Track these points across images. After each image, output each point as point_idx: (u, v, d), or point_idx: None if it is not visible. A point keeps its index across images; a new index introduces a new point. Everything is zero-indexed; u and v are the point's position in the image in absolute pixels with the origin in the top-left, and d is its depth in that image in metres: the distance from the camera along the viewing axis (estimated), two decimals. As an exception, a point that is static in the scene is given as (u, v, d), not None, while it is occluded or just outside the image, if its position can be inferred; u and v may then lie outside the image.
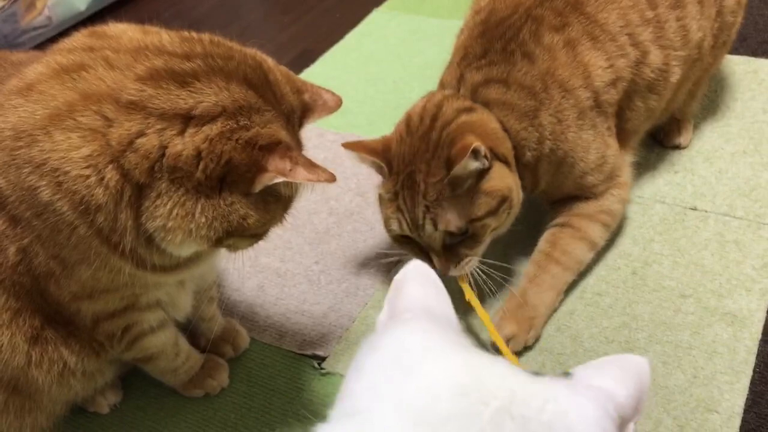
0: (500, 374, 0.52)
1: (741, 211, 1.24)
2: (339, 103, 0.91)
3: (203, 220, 0.75)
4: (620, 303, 1.12)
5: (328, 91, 0.90)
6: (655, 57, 1.13)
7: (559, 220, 1.17)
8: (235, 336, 1.13)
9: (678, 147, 1.40)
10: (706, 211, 1.25)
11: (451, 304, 0.62)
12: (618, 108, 1.13)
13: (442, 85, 1.17)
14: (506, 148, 1.06)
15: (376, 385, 0.52)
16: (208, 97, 0.74)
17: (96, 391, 1.04)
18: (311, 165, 0.78)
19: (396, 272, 0.63)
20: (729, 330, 1.06)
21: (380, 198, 1.10)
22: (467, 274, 1.06)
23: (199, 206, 0.74)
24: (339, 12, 2.08)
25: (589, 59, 1.08)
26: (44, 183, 0.72)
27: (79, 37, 0.80)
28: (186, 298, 0.97)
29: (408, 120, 1.09)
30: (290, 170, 0.76)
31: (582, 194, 1.15)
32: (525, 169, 1.09)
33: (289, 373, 1.10)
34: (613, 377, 0.55)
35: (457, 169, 0.98)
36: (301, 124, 0.86)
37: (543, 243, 1.15)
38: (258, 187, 0.76)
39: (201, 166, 0.73)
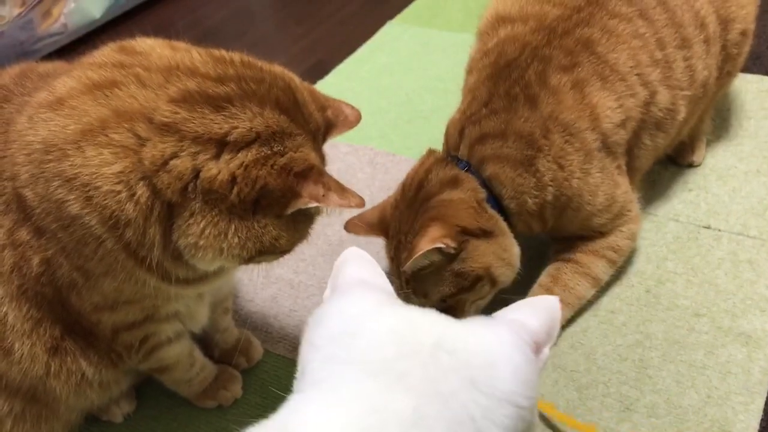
0: (429, 321, 0.62)
1: (754, 230, 1.24)
2: (359, 117, 0.92)
3: (236, 240, 0.76)
4: (634, 321, 1.12)
5: (348, 105, 0.92)
6: (663, 97, 1.12)
7: (563, 254, 1.16)
8: (249, 347, 1.13)
9: (692, 165, 1.40)
10: (719, 230, 1.25)
11: (384, 274, 0.72)
12: (627, 146, 1.13)
13: (448, 132, 1.16)
14: (489, 220, 1.04)
15: (330, 353, 0.59)
16: (242, 122, 0.75)
17: (111, 401, 1.04)
18: (342, 189, 0.79)
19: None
20: (743, 350, 1.06)
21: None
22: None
23: (233, 227, 0.75)
24: (352, 24, 2.09)
25: (598, 100, 1.06)
26: (73, 197, 0.73)
27: (109, 52, 0.81)
28: (204, 310, 0.98)
29: (404, 183, 1.12)
30: (323, 196, 0.77)
31: (589, 234, 1.14)
32: (530, 216, 1.08)
33: (303, 385, 1.10)
34: (525, 312, 0.67)
35: (408, 266, 1.00)
36: (324, 140, 0.87)
37: (545, 277, 1.14)
38: (291, 210, 0.77)
39: (235, 191, 0.74)
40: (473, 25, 1.25)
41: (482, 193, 1.05)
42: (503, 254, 1.05)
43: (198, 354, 1.03)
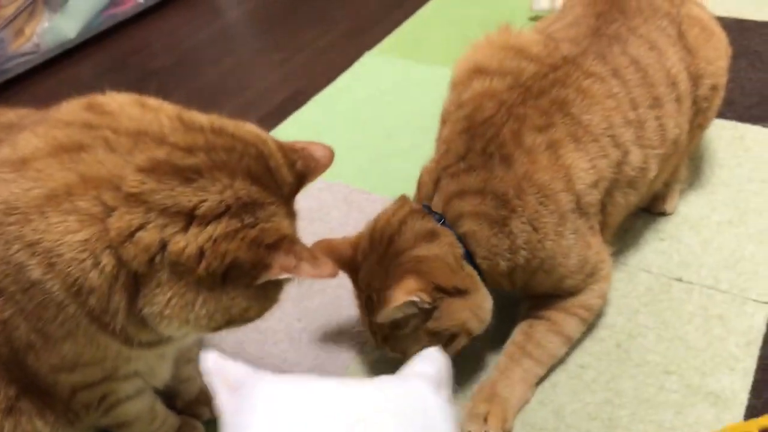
0: (353, 390, 0.69)
1: (726, 284, 1.24)
2: (331, 157, 0.90)
3: (204, 312, 0.75)
4: (604, 377, 1.12)
5: (318, 146, 0.89)
6: (635, 157, 1.12)
7: (535, 311, 1.15)
8: (213, 397, 1.10)
9: (664, 214, 1.40)
10: (691, 283, 1.25)
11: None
12: (599, 206, 1.12)
13: (422, 181, 1.14)
14: (465, 278, 1.03)
15: None
16: (212, 195, 0.73)
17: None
18: (314, 259, 0.78)
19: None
20: (712, 411, 1.05)
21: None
22: None
23: (200, 299, 0.74)
24: (332, 53, 2.08)
25: (572, 161, 1.05)
26: (35, 262, 0.71)
27: (77, 110, 0.79)
28: (165, 368, 0.96)
29: (373, 230, 1.08)
30: (295, 267, 0.76)
31: (560, 294, 1.14)
32: (501, 276, 1.08)
33: (267, 437, 1.08)
34: (421, 365, 0.75)
35: (382, 317, 0.99)
36: (297, 191, 0.86)
37: (517, 334, 1.13)
38: (261, 281, 0.76)
39: (204, 264, 0.73)
40: (453, 59, 1.23)
41: (460, 249, 1.04)
42: (477, 311, 1.04)
43: (160, 407, 1.01)
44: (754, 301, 1.21)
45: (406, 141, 1.68)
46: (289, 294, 1.30)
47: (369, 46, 2.06)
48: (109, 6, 2.24)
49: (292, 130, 1.76)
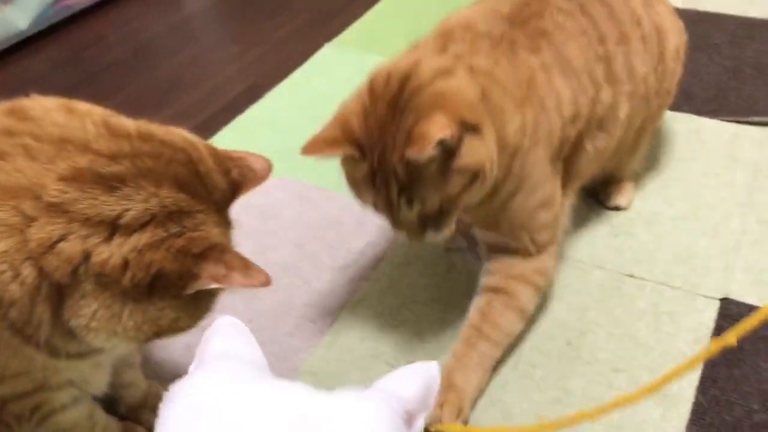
0: (288, 402, 0.58)
1: (678, 280, 1.25)
2: (269, 169, 0.89)
3: (131, 323, 0.73)
4: (554, 375, 1.11)
5: (256, 157, 0.88)
6: (606, 94, 1.13)
7: (492, 281, 1.13)
8: (159, 402, 1.08)
9: (618, 208, 1.40)
10: (643, 279, 1.25)
11: (258, 348, 0.70)
12: (568, 149, 1.13)
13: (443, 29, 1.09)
14: (481, 114, 0.97)
15: None
16: (136, 204, 0.71)
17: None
18: (246, 267, 0.76)
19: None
20: (659, 409, 1.05)
21: (354, 180, 1.03)
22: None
23: (127, 310, 0.72)
24: (290, 45, 2.05)
25: (560, 88, 1.06)
26: None
27: None
28: (101, 376, 0.93)
29: (371, 85, 1.00)
30: (224, 276, 0.74)
31: (515, 245, 1.12)
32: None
33: (213, 442, 1.06)
34: (400, 381, 0.65)
35: (413, 157, 0.91)
36: (231, 202, 0.84)
37: (474, 314, 1.12)
38: (190, 292, 0.74)
39: (128, 275, 0.71)
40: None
41: (477, 86, 0.98)
42: (491, 152, 0.98)
43: (99, 415, 0.98)
44: (705, 297, 1.21)
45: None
46: (240, 293, 1.29)
47: (328, 37, 2.04)
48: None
49: (248, 123, 1.74)
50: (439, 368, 0.68)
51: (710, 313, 1.18)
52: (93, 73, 1.99)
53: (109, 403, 1.04)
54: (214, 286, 0.74)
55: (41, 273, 0.70)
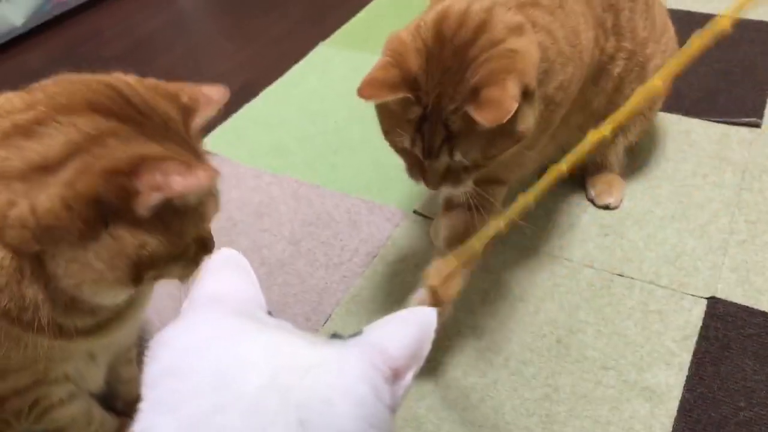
0: (266, 352, 0.54)
1: (666, 279, 1.27)
2: (225, 94, 0.85)
3: (101, 265, 0.70)
4: (543, 373, 1.13)
5: (211, 86, 0.86)
6: (610, 43, 1.16)
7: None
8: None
9: (608, 207, 1.42)
10: (632, 278, 1.27)
11: (255, 282, 0.64)
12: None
13: None
14: (535, 76, 0.96)
15: (156, 398, 0.53)
16: (55, 138, 0.69)
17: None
18: (186, 166, 0.70)
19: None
20: (647, 406, 1.08)
21: (395, 119, 0.98)
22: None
23: (91, 253, 0.70)
24: (284, 43, 2.06)
25: (589, 37, 1.08)
26: None
27: None
28: (96, 372, 0.94)
29: (440, 22, 0.96)
30: (164, 183, 0.69)
31: (495, 175, 1.14)
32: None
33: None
34: (389, 331, 0.59)
35: (482, 121, 0.89)
36: (189, 127, 0.81)
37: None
38: (142, 211, 0.70)
39: (74, 214, 0.68)
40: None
41: (538, 48, 0.97)
42: (536, 116, 0.99)
43: (97, 411, 0.99)
44: (692, 296, 1.23)
45: (356, 135, 1.67)
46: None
47: (322, 36, 2.05)
48: (57, -7, 2.19)
49: (242, 122, 1.75)
50: (434, 314, 0.61)
51: (698, 311, 1.20)
52: (89, 69, 2.00)
53: (106, 399, 1.06)
54: (158, 196, 0.69)
55: (12, 250, 0.69)
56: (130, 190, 0.69)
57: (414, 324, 0.60)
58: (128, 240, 0.70)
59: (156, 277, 0.78)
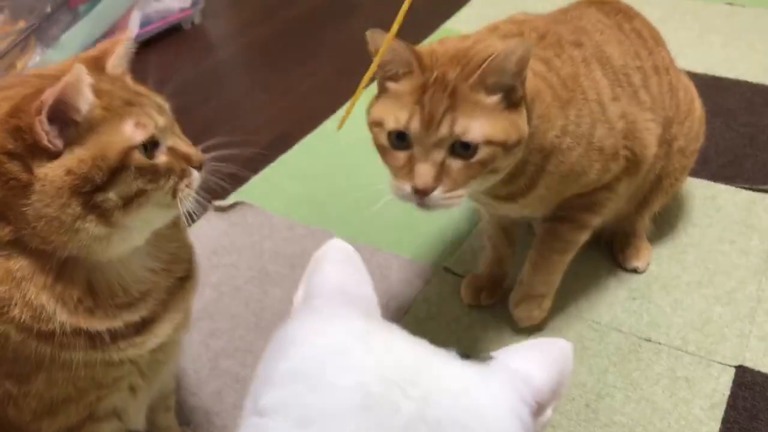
0: (412, 370, 0.49)
1: (693, 346, 1.28)
2: (131, 36, 0.89)
3: (53, 211, 0.73)
4: (572, 437, 1.15)
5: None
6: (644, 95, 1.20)
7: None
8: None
9: (636, 271, 1.44)
10: (660, 343, 1.29)
11: (371, 282, 0.61)
12: None
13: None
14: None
15: (283, 399, 0.49)
16: None
17: None
18: (57, 81, 0.71)
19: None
20: (675, 475, 1.09)
21: (386, 90, 1.02)
22: None
23: (38, 204, 0.73)
24: (318, 95, 2.12)
25: (602, 83, 1.13)
26: None
27: None
28: (137, 409, 0.96)
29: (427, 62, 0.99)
30: (44, 101, 0.70)
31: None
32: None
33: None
34: (532, 360, 0.54)
35: (496, 61, 0.92)
36: (103, 67, 0.85)
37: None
38: (42, 140, 0.71)
39: (2, 176, 0.72)
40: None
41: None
42: (524, 133, 1.03)
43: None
44: (720, 363, 1.24)
45: (387, 191, 1.71)
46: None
47: (355, 89, 2.10)
48: (100, 40, 2.27)
49: (277, 173, 1.79)
50: (572, 348, 0.56)
51: (725, 380, 1.22)
52: (128, 116, 2.06)
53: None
54: (42, 119, 0.71)
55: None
56: (24, 127, 0.71)
57: (555, 355, 0.55)
58: (55, 172, 0.72)
59: (127, 200, 0.77)
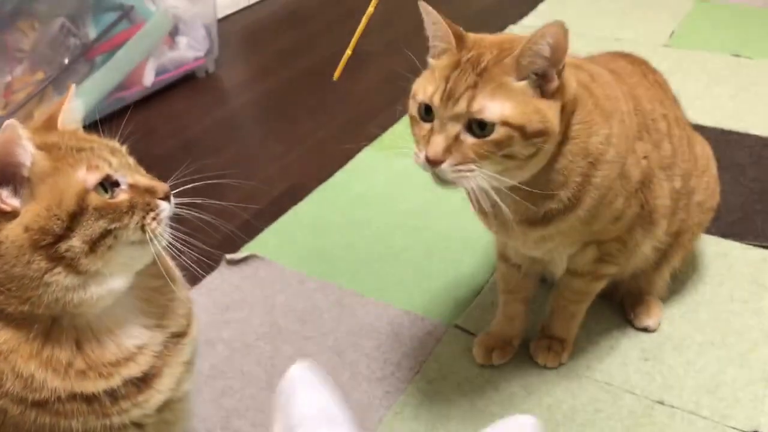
0: None
1: (706, 410, 1.27)
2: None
3: (20, 270, 0.75)
4: (585, 504, 1.14)
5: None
6: (666, 146, 1.25)
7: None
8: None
9: (647, 330, 1.44)
10: (673, 407, 1.28)
11: (342, 397, 0.61)
12: None
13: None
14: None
15: None
16: None
17: None
18: None
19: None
20: None
21: (429, 66, 1.07)
22: None
23: (7, 267, 0.75)
24: (330, 146, 2.14)
25: (632, 116, 1.18)
26: None
27: None
28: None
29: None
30: None
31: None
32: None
33: None
34: None
35: (530, 42, 0.98)
36: (55, 125, 0.88)
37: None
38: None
39: None
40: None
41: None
42: (556, 132, 1.08)
43: None
44: (734, 428, 1.23)
45: (399, 242, 1.72)
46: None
47: (367, 139, 2.13)
48: (117, 89, 2.31)
49: (289, 225, 1.81)
50: (536, 422, 0.60)
51: (740, 446, 1.21)
52: (142, 165, 2.09)
53: None
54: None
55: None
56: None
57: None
58: (14, 232, 0.74)
59: (93, 244, 0.77)
